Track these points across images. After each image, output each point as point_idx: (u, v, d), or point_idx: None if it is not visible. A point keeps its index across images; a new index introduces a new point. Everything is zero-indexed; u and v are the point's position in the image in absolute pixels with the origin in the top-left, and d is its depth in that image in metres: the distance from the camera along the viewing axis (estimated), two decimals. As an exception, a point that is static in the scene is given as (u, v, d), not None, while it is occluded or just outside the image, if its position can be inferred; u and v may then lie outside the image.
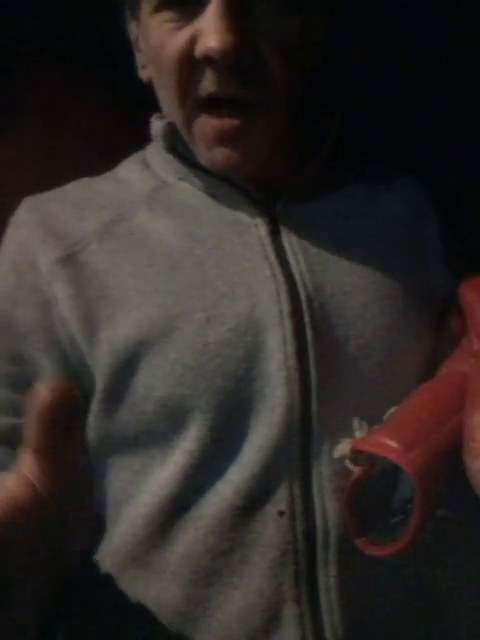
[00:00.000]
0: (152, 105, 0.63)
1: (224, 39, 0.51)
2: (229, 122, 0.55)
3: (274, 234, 0.62)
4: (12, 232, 0.65)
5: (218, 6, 0.52)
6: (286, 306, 0.58)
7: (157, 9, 0.55)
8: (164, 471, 0.58)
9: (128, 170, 0.69)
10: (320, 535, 0.56)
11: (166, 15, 0.55)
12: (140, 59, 0.65)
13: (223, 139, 0.56)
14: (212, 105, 0.56)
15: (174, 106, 0.58)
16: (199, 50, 0.53)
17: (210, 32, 0.52)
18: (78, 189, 0.67)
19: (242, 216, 0.63)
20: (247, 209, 0.63)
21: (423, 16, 0.77)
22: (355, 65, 0.77)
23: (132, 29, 0.64)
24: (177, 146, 0.62)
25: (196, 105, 0.56)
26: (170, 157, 0.64)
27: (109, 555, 0.61)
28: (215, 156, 0.58)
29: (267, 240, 0.62)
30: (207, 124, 0.56)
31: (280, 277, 0.60)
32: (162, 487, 0.58)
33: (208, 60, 0.53)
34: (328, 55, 0.63)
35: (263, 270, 0.60)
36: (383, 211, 0.68)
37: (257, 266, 0.60)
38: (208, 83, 0.55)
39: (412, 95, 0.80)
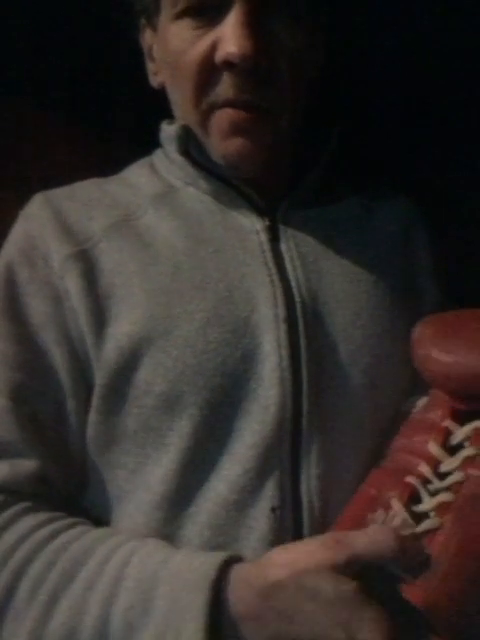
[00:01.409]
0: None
1: (244, 45, 0.55)
2: (244, 115, 0.59)
3: (273, 241, 0.65)
4: (23, 225, 0.66)
5: (238, 15, 0.56)
6: (282, 311, 0.61)
7: (178, 16, 0.58)
8: (161, 467, 0.60)
9: (136, 174, 0.71)
10: (307, 532, 0.59)
11: (187, 22, 0.58)
12: (152, 67, 0.68)
13: (239, 129, 0.59)
14: (227, 106, 0.59)
15: (190, 107, 0.61)
16: (219, 55, 0.56)
17: (231, 38, 0.55)
18: (88, 188, 0.69)
19: (244, 222, 0.65)
20: (249, 215, 0.66)
21: (422, 35, 0.79)
22: (355, 83, 0.79)
23: (146, 38, 0.66)
24: (189, 149, 0.64)
25: (212, 107, 0.59)
26: (179, 160, 0.66)
27: None
28: (229, 146, 0.60)
29: (267, 247, 0.64)
30: (225, 115, 0.59)
31: (277, 283, 0.62)
32: (159, 483, 0.60)
33: (228, 65, 0.56)
34: (331, 73, 0.66)
35: (262, 276, 0.62)
36: (377, 225, 0.71)
37: (256, 271, 0.63)
38: (225, 88, 0.58)
39: (409, 115, 0.83)
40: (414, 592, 0.47)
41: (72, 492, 0.63)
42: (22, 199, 0.67)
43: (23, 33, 0.81)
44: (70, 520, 0.59)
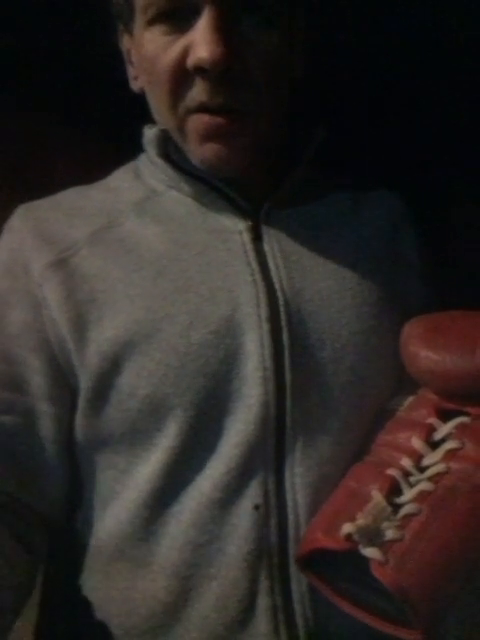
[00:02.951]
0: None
1: (214, 50, 0.55)
2: (220, 120, 0.59)
3: (256, 241, 0.65)
4: (6, 238, 0.68)
5: (209, 20, 0.56)
6: (264, 310, 0.61)
7: (151, 23, 0.59)
8: (147, 467, 0.61)
9: (119, 179, 0.72)
10: (292, 529, 0.59)
11: (159, 28, 0.59)
12: (132, 71, 0.68)
13: (214, 135, 0.60)
14: (202, 111, 0.59)
15: (166, 112, 0.61)
16: (191, 61, 0.57)
17: (201, 44, 0.56)
18: (70, 197, 0.70)
19: (227, 223, 0.66)
20: (231, 216, 0.66)
21: (407, 31, 0.80)
22: (340, 80, 0.80)
23: (125, 43, 0.67)
24: (169, 152, 0.65)
25: (187, 111, 0.60)
26: (161, 163, 0.67)
27: (98, 550, 0.63)
28: (206, 151, 0.61)
29: (249, 247, 0.65)
30: (200, 121, 0.59)
31: (260, 282, 0.63)
32: (145, 483, 0.60)
33: (199, 70, 0.57)
34: (314, 70, 0.67)
35: (244, 275, 0.63)
36: (363, 222, 0.71)
37: (239, 272, 0.63)
38: (199, 92, 0.58)
39: (395, 110, 0.83)
40: (386, 574, 0.47)
41: (41, 505, 0.64)
42: (21, 202, 0.69)
43: (22, 34, 0.83)
44: None
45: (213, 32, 0.55)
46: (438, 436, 0.56)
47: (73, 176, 0.72)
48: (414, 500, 0.51)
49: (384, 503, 0.51)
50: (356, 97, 0.83)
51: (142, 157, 0.72)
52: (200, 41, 0.56)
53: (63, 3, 0.83)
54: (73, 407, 0.63)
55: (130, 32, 0.64)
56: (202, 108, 0.59)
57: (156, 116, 0.66)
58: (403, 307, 0.68)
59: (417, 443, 0.56)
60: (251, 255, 0.64)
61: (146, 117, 0.67)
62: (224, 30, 0.56)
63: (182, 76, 0.58)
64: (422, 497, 0.51)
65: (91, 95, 0.85)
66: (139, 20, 0.61)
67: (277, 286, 0.63)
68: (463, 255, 0.80)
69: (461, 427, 0.55)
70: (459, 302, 0.63)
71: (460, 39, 0.79)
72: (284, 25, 0.60)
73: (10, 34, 0.84)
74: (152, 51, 0.59)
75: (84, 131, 0.85)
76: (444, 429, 0.56)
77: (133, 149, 0.72)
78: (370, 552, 0.48)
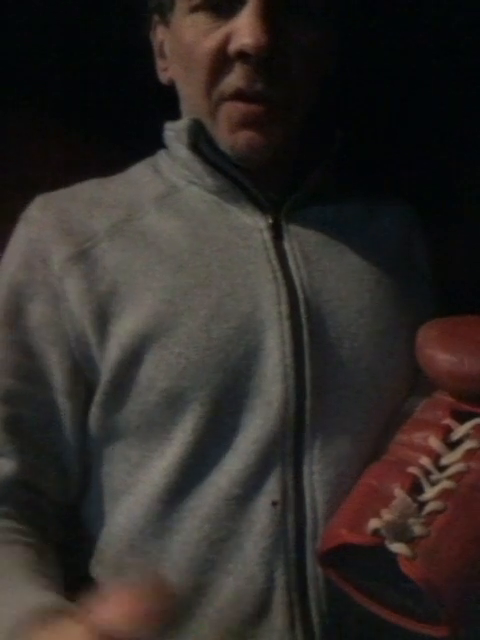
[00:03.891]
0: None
1: (259, 36, 0.57)
2: (254, 108, 0.60)
3: (277, 239, 0.66)
4: (24, 228, 0.67)
5: (254, 8, 0.58)
6: (285, 308, 0.62)
7: (193, 10, 0.61)
8: (162, 461, 0.61)
9: (138, 173, 0.72)
10: (309, 526, 0.59)
11: (201, 16, 0.61)
12: (161, 64, 0.70)
13: (248, 122, 0.61)
14: (237, 98, 0.60)
15: (200, 98, 0.62)
16: (234, 46, 0.58)
17: (246, 30, 0.58)
18: (89, 189, 0.70)
19: (247, 221, 0.67)
20: (252, 214, 0.67)
21: (427, 39, 0.81)
22: (355, 86, 0.81)
23: (157, 35, 0.69)
24: (199, 143, 0.65)
25: (221, 98, 0.61)
26: (186, 156, 0.67)
27: (109, 545, 0.63)
28: (238, 138, 0.62)
29: (270, 245, 0.65)
30: (234, 108, 0.61)
31: (281, 280, 0.63)
32: (161, 477, 0.60)
33: (241, 55, 0.58)
34: (339, 76, 0.68)
35: (265, 273, 0.63)
36: (379, 227, 0.72)
37: (260, 269, 0.64)
38: (237, 79, 0.60)
39: (409, 118, 0.85)
40: (415, 569, 0.48)
41: (60, 496, 0.64)
42: (22, 201, 0.68)
43: (22, 34, 0.83)
44: (14, 537, 0.59)
45: (258, 19, 0.58)
46: (455, 436, 0.57)
47: (76, 179, 0.72)
48: (438, 498, 0.52)
49: (409, 500, 0.51)
50: (370, 103, 0.84)
51: (161, 153, 0.73)
52: (245, 27, 0.58)
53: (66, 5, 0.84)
54: (88, 402, 0.63)
55: (166, 23, 0.65)
56: (238, 95, 0.60)
57: (186, 105, 0.67)
58: (417, 311, 0.69)
59: (435, 443, 0.56)
60: (272, 253, 0.65)
61: (150, 119, 0.69)
62: (269, 19, 0.58)
63: (221, 62, 0.60)
64: (445, 495, 0.52)
65: (96, 97, 0.86)
66: (180, 7, 0.62)
67: (297, 285, 0.63)
68: (472, 264, 0.81)
69: (479, 428, 0.57)
70: (467, 310, 0.65)
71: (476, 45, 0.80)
72: (324, 25, 0.62)
73: (12, 34, 0.84)
74: (192, 37, 0.61)
75: (87, 134, 0.85)
76: (462, 429, 0.57)
77: (137, 151, 0.73)
78: (398, 547, 0.49)
